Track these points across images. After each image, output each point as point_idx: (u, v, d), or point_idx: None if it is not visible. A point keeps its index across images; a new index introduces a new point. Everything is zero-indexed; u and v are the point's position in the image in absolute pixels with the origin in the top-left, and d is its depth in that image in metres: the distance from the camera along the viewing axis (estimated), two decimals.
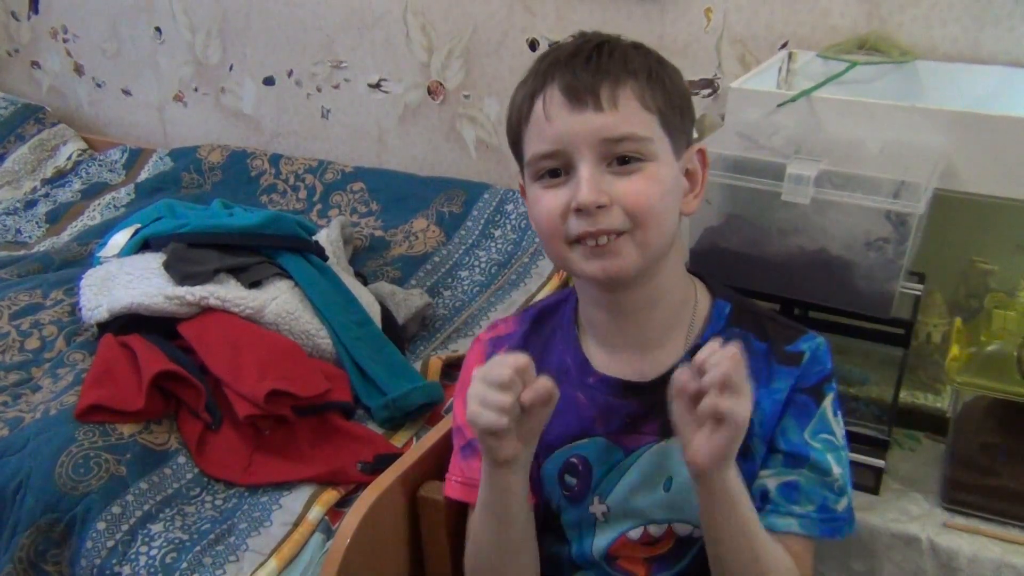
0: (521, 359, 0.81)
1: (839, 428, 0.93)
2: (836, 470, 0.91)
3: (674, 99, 0.88)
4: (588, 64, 0.84)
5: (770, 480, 0.92)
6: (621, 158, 0.84)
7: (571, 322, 0.98)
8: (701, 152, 0.92)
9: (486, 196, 1.79)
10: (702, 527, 0.90)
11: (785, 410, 0.91)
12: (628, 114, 0.84)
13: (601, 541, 0.97)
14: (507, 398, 0.80)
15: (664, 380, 0.91)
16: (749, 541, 0.87)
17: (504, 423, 0.80)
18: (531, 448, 0.87)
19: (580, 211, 0.84)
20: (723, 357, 0.77)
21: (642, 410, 0.93)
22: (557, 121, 0.84)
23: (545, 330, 1.00)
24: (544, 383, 0.81)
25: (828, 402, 0.92)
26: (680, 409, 0.82)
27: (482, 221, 1.76)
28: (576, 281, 0.97)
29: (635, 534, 0.96)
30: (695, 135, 0.95)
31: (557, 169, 0.86)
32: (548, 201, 0.86)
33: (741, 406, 0.78)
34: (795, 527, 0.90)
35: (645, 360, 0.93)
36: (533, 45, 1.76)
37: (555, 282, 1.60)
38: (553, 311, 1.01)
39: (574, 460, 0.96)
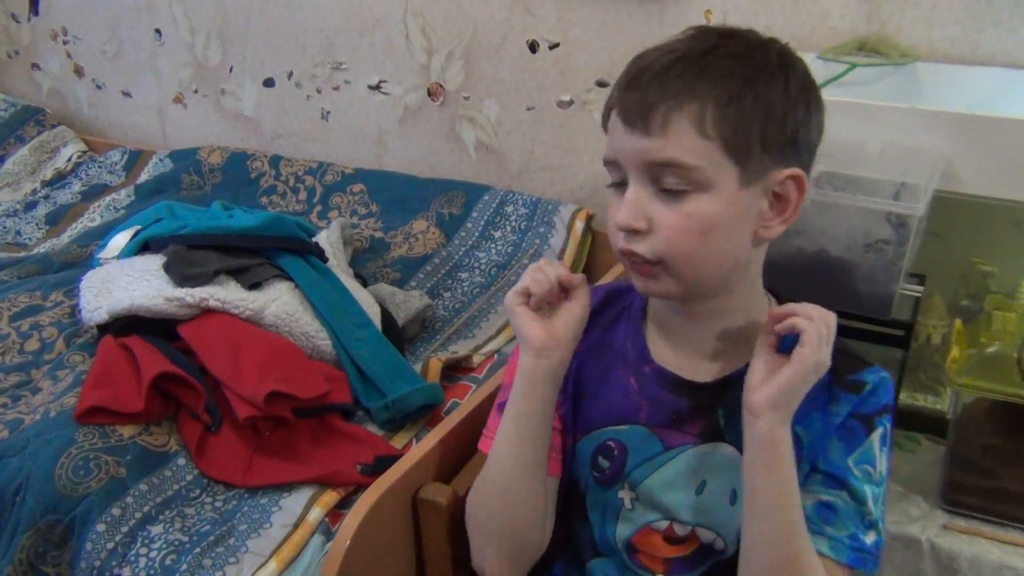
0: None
1: (882, 463, 0.91)
2: (870, 503, 0.89)
3: (754, 121, 0.82)
4: (652, 83, 0.82)
5: (806, 498, 0.90)
6: (663, 186, 0.83)
7: (640, 308, 0.99)
8: (796, 178, 0.85)
9: (486, 198, 1.79)
10: (743, 494, 0.87)
11: (835, 432, 0.91)
12: (678, 140, 0.81)
13: (624, 530, 0.97)
14: (544, 274, 0.90)
15: (719, 385, 0.92)
16: (786, 526, 0.85)
17: (537, 284, 0.89)
18: (564, 354, 0.91)
19: (619, 229, 0.85)
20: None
21: (689, 409, 0.92)
22: (617, 138, 0.85)
23: (612, 310, 1.01)
24: (578, 275, 0.92)
25: (877, 435, 0.91)
26: (761, 343, 0.85)
27: (482, 223, 1.76)
28: None
29: (660, 525, 0.95)
30: None
31: (623, 182, 0.86)
32: (612, 212, 0.87)
33: (818, 349, 0.81)
34: (825, 548, 0.89)
35: (706, 362, 0.93)
36: (533, 47, 1.76)
37: None
38: (624, 293, 1.01)
39: (611, 443, 0.96)
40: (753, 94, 0.82)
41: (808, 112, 0.86)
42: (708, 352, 0.93)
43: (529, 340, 0.90)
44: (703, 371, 0.93)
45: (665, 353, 0.95)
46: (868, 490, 0.90)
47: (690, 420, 0.93)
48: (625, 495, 0.96)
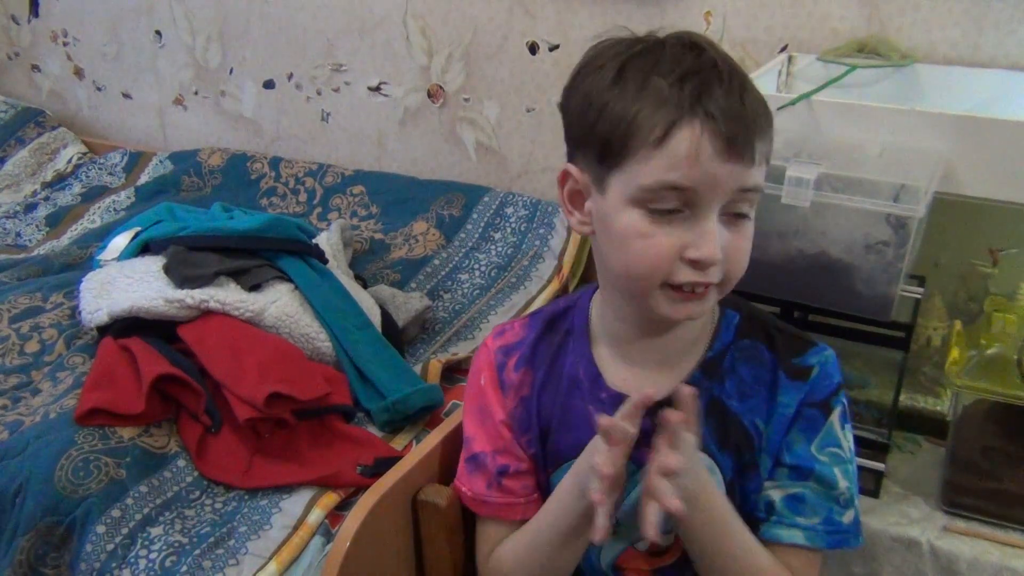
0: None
1: (846, 440, 0.92)
2: (842, 483, 0.90)
3: (772, 142, 0.86)
4: (742, 108, 0.80)
5: (775, 492, 0.91)
6: (736, 210, 0.83)
7: (583, 330, 0.97)
8: None
9: (486, 199, 1.80)
10: (681, 535, 0.91)
11: (792, 424, 0.91)
12: (759, 167, 0.82)
13: (608, 552, 0.97)
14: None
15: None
16: (727, 544, 0.88)
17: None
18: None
19: (696, 263, 0.81)
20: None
21: (654, 426, 0.91)
22: (707, 165, 0.79)
23: (556, 337, 0.99)
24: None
25: (836, 415, 0.92)
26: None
27: (482, 224, 1.76)
28: (603, 293, 0.96)
29: (642, 545, 0.95)
30: None
31: (673, 205, 0.82)
32: (660, 241, 0.82)
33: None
34: (800, 539, 0.90)
35: (660, 375, 0.93)
36: (533, 48, 1.76)
37: (555, 285, 1.60)
38: (563, 316, 1.00)
39: None
40: (769, 116, 0.85)
41: None
42: (662, 362, 0.93)
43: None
44: (659, 385, 0.91)
45: (619, 374, 0.94)
46: (837, 471, 0.91)
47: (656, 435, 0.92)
48: None
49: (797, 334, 0.95)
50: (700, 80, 0.80)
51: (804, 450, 0.91)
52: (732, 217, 0.83)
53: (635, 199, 0.82)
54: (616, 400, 0.93)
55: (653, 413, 0.92)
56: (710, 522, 0.87)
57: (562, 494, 0.92)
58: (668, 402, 0.91)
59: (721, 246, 0.81)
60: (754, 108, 0.81)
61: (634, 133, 0.80)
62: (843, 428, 0.92)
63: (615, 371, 0.95)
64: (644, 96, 0.81)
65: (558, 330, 0.99)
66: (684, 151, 0.79)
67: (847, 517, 0.91)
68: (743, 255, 0.85)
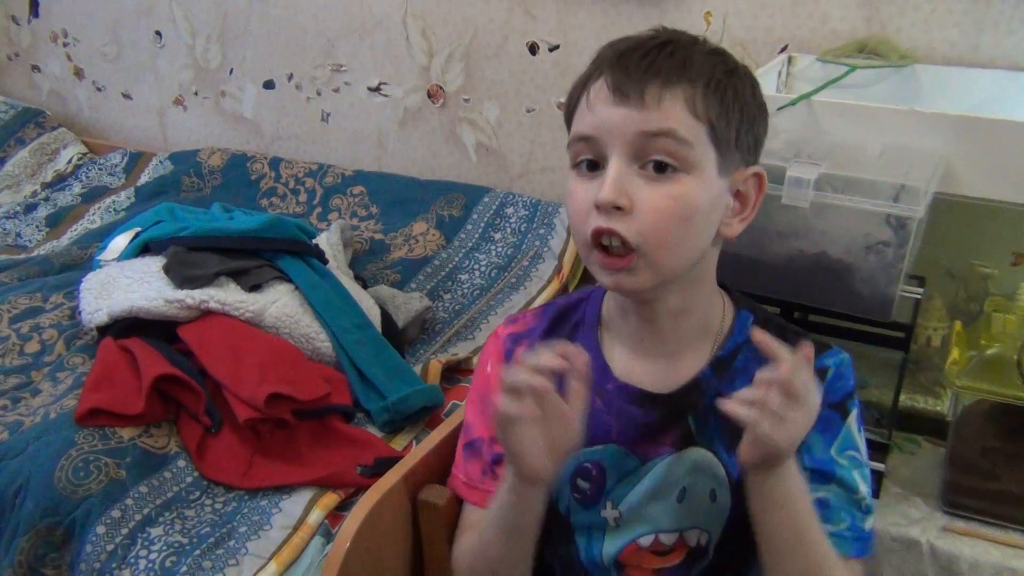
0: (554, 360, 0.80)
1: (863, 444, 0.92)
2: (862, 488, 0.90)
3: (733, 112, 0.83)
4: (643, 60, 0.82)
5: None
6: (658, 164, 0.81)
7: (593, 322, 0.97)
8: (758, 176, 0.88)
9: (486, 199, 1.80)
10: (756, 534, 0.87)
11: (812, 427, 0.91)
12: (671, 114, 0.81)
13: (611, 547, 0.96)
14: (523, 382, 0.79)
15: (684, 392, 0.91)
16: (805, 549, 0.84)
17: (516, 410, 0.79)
18: (556, 466, 0.84)
19: (599, 207, 0.82)
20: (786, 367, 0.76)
21: (659, 420, 0.92)
22: (599, 111, 0.82)
23: (566, 328, 0.99)
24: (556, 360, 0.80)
25: (853, 418, 0.91)
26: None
27: (482, 224, 1.76)
28: None
29: (646, 541, 0.95)
30: None
31: (594, 161, 0.84)
32: (578, 195, 0.85)
33: (774, 428, 0.77)
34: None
35: (667, 369, 0.92)
36: (533, 49, 1.76)
37: (555, 285, 1.60)
38: (575, 308, 1.00)
39: (588, 465, 0.95)
40: (733, 88, 0.84)
41: (765, 122, 0.89)
42: (669, 357, 0.92)
43: (524, 472, 0.84)
44: (667, 379, 0.92)
45: (626, 366, 0.94)
46: (857, 475, 0.90)
47: (662, 431, 0.92)
48: (609, 514, 0.95)
49: (812, 337, 0.93)
50: (628, 45, 0.85)
51: (824, 453, 0.90)
52: (652, 172, 0.81)
53: (570, 158, 0.87)
54: (622, 391, 0.93)
55: (658, 407, 0.92)
56: (788, 523, 0.84)
57: (500, 488, 0.91)
58: (668, 397, 0.91)
59: (636, 197, 0.81)
60: (665, 63, 0.82)
61: (570, 101, 0.88)
62: (859, 431, 0.92)
63: (622, 363, 0.94)
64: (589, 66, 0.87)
65: (569, 321, 1.00)
66: (584, 104, 0.85)
67: (868, 524, 0.90)
68: (659, 215, 0.81)
